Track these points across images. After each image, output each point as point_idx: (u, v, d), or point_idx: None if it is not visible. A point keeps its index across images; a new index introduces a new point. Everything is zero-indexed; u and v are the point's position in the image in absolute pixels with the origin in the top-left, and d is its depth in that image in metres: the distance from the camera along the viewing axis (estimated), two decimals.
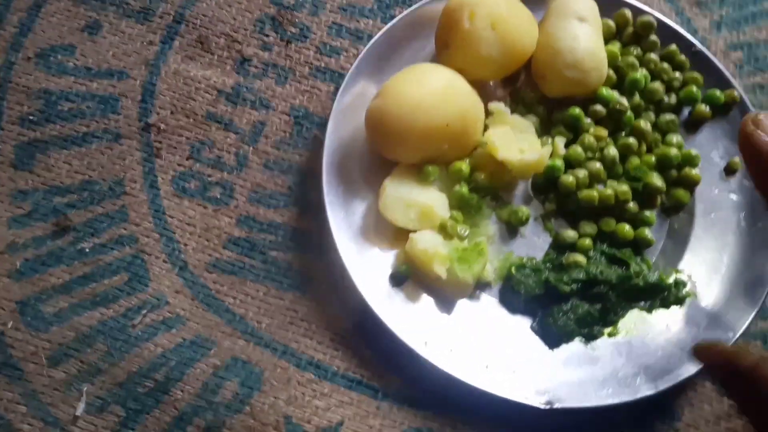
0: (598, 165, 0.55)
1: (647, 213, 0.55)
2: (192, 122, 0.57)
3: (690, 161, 0.56)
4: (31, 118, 0.56)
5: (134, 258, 0.53)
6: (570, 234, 0.54)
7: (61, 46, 0.58)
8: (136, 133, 0.57)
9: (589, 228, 0.54)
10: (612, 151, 0.55)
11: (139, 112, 0.57)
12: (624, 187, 0.54)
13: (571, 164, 0.55)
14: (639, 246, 0.55)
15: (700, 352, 0.36)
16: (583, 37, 0.54)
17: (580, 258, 0.53)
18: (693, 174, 0.56)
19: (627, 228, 0.54)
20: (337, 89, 0.57)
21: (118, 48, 0.59)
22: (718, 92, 0.58)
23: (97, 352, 0.50)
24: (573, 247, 0.54)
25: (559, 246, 0.54)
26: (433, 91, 0.51)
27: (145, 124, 0.57)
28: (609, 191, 0.54)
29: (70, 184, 0.55)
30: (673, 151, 0.56)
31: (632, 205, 0.55)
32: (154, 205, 0.55)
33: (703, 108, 0.58)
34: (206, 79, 0.59)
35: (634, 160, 0.56)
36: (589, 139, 0.55)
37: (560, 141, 0.55)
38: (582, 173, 0.54)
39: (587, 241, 0.54)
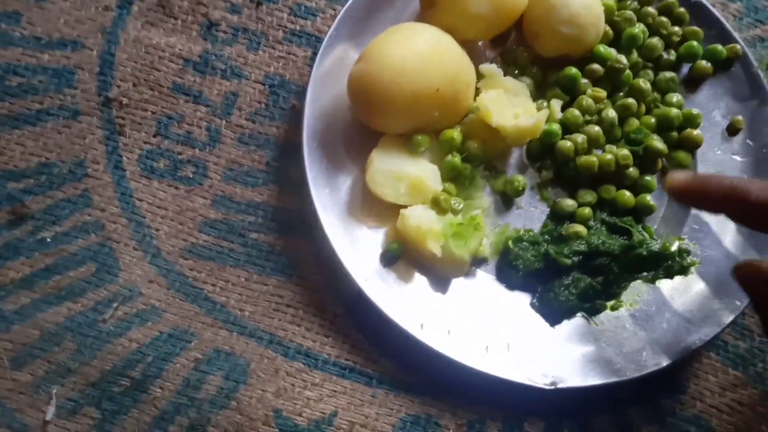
0: (596, 129, 0.52)
1: (648, 178, 0.53)
2: (157, 95, 0.53)
3: (691, 122, 0.53)
4: None
5: (101, 246, 0.49)
6: (569, 203, 0.51)
7: (5, 13, 0.53)
8: (96, 109, 0.52)
9: (589, 196, 0.52)
10: (611, 113, 0.52)
11: (97, 86, 0.52)
12: (624, 152, 0.51)
13: (567, 129, 0.52)
14: (640, 213, 0.52)
15: (741, 272, 0.37)
16: None
17: (581, 228, 0.50)
18: (695, 135, 0.53)
19: (628, 195, 0.52)
20: (314, 54, 0.52)
21: (69, 14, 0.53)
22: (719, 47, 0.55)
23: (65, 350, 0.46)
24: (572, 217, 0.51)
25: (558, 216, 0.52)
26: (420, 52, 0.47)
27: (105, 99, 0.52)
28: (609, 156, 0.51)
29: (25, 168, 0.50)
30: (674, 112, 0.53)
31: (632, 171, 0.52)
32: (120, 188, 0.50)
33: (704, 64, 0.55)
34: (170, 47, 0.54)
35: (633, 123, 0.53)
36: (587, 101, 0.52)
37: (556, 104, 0.52)
38: (580, 138, 0.51)
39: (587, 210, 0.51)
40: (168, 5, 0.55)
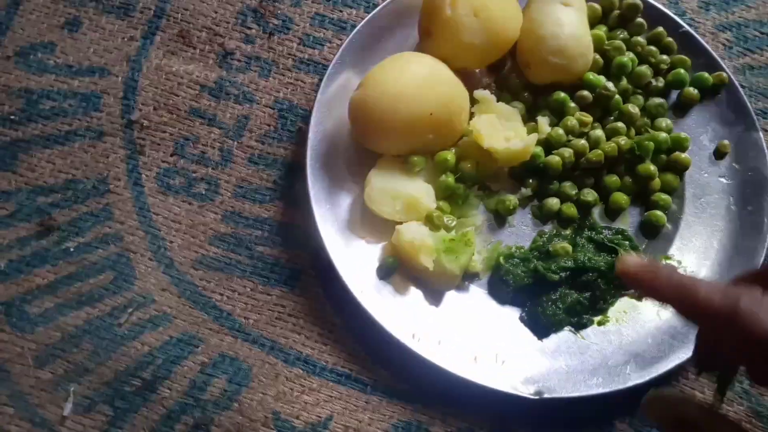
0: (582, 142, 0.54)
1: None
2: (175, 118, 0.57)
3: (679, 145, 0.56)
4: (12, 117, 0.56)
5: (119, 256, 0.53)
6: (552, 201, 0.54)
7: (41, 43, 0.58)
8: (119, 131, 0.56)
9: (590, 195, 0.54)
10: (598, 132, 0.55)
11: (121, 109, 0.57)
12: (612, 144, 0.54)
13: (552, 146, 0.55)
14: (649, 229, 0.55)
15: (649, 407, 0.36)
16: (568, 23, 0.54)
17: (567, 245, 0.52)
18: (683, 158, 0.55)
19: (624, 197, 0.54)
20: (321, 81, 0.56)
21: (98, 45, 0.58)
22: (706, 74, 0.57)
23: (83, 351, 0.50)
24: (558, 215, 0.54)
25: (544, 216, 0.54)
26: (415, 79, 0.50)
27: (128, 121, 0.56)
28: (606, 147, 0.54)
29: (53, 184, 0.54)
30: (663, 136, 0.55)
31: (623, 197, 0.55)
32: (138, 203, 0.54)
33: (692, 91, 0.57)
34: (189, 74, 0.58)
35: (628, 142, 0.55)
36: (571, 121, 0.55)
37: (543, 120, 0.55)
38: (567, 153, 0.54)
39: (572, 208, 0.54)
40: (188, 36, 0.59)
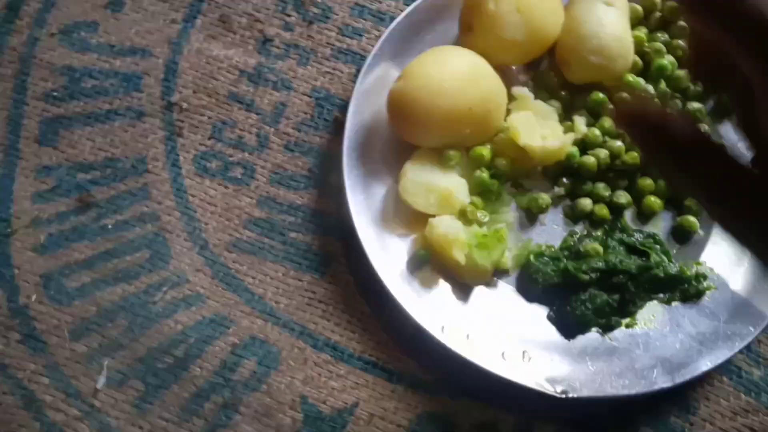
0: (618, 143, 0.54)
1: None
2: (214, 102, 0.58)
3: None
4: (54, 94, 0.57)
5: (156, 236, 0.54)
6: (585, 202, 0.54)
7: (85, 22, 0.59)
8: (159, 112, 0.57)
9: (623, 198, 0.54)
10: None
11: (161, 91, 0.58)
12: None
13: (587, 147, 0.55)
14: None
15: (617, 113, 0.32)
16: (609, 22, 0.53)
17: (598, 246, 0.52)
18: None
19: (656, 201, 0.54)
20: (358, 71, 0.56)
21: (140, 26, 0.59)
22: None
23: (118, 327, 0.51)
24: (590, 216, 0.54)
25: (576, 216, 0.54)
26: (456, 74, 0.50)
27: (168, 103, 0.57)
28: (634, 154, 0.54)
29: (93, 161, 0.55)
30: None
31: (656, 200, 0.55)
32: (176, 184, 0.55)
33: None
34: (228, 59, 0.59)
35: None
36: (608, 122, 0.54)
37: (580, 120, 0.55)
38: (603, 153, 0.54)
39: (605, 210, 0.54)
40: (228, 21, 0.60)
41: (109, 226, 0.54)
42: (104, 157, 0.56)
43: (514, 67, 0.57)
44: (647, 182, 0.55)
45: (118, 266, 0.53)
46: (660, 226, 0.55)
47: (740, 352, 0.51)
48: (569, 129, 0.55)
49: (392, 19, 0.58)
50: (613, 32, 0.53)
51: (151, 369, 0.50)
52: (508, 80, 0.55)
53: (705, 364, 0.50)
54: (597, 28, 0.53)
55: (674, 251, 0.54)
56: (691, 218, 0.54)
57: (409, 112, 0.51)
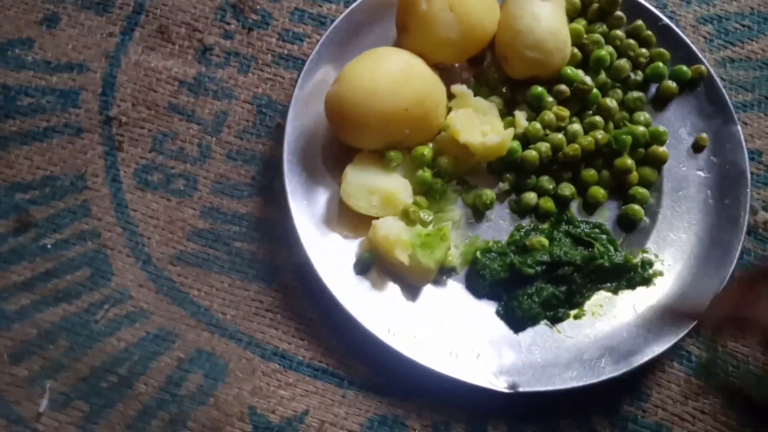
0: (559, 136, 0.54)
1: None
2: (154, 114, 0.57)
3: (658, 138, 0.56)
4: None
5: (97, 253, 0.53)
6: (530, 196, 0.54)
7: (19, 40, 0.58)
8: (98, 127, 0.56)
9: (567, 189, 0.54)
10: (575, 126, 0.55)
11: (100, 105, 0.57)
12: (589, 138, 0.54)
13: (529, 141, 0.55)
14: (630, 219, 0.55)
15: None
16: (545, 17, 0.53)
17: (543, 239, 0.52)
18: (661, 152, 0.55)
19: (602, 192, 0.55)
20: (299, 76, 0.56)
21: (77, 41, 0.58)
22: (684, 68, 0.57)
23: (59, 348, 0.50)
24: (536, 210, 0.54)
25: (521, 210, 0.54)
26: (389, 75, 0.50)
27: (107, 117, 0.56)
28: (583, 141, 0.54)
29: (31, 180, 0.54)
30: (641, 129, 0.55)
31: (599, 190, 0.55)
32: (116, 199, 0.54)
33: (670, 84, 0.57)
34: (167, 70, 0.58)
35: (604, 136, 0.55)
36: (548, 115, 0.55)
37: (521, 115, 0.55)
38: (544, 147, 0.54)
39: (549, 202, 0.54)
40: (167, 31, 0.59)
41: (49, 246, 0.53)
42: (42, 175, 0.55)
43: (456, 66, 0.57)
44: (591, 173, 0.55)
45: (59, 286, 0.52)
46: (606, 215, 0.55)
47: (688, 336, 0.51)
48: (510, 124, 0.55)
49: (332, 22, 0.58)
50: (549, 26, 0.54)
51: (95, 389, 0.49)
52: (451, 78, 0.55)
53: (653, 351, 0.50)
54: (532, 23, 0.53)
55: (620, 240, 0.54)
56: (636, 207, 0.54)
57: (346, 115, 0.50)
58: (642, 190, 0.55)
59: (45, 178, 0.55)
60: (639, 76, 0.58)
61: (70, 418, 0.49)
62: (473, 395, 0.49)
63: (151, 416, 0.49)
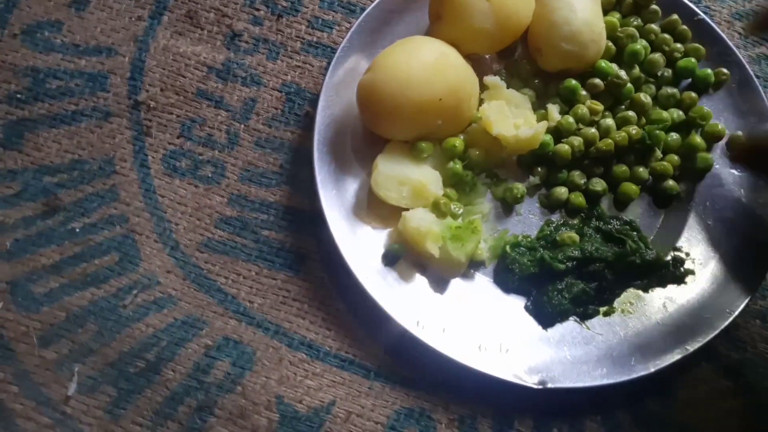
0: (592, 131, 0.54)
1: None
2: (182, 99, 0.56)
3: (704, 119, 0.55)
4: (18, 96, 0.55)
5: (125, 238, 0.53)
6: (561, 191, 0.53)
7: (48, 22, 0.57)
8: (126, 111, 0.56)
9: (599, 185, 0.54)
10: (608, 121, 0.54)
11: (128, 90, 0.56)
12: (622, 134, 0.53)
13: (561, 134, 0.54)
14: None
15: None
16: (581, 9, 0.53)
17: (574, 235, 0.52)
18: (719, 129, 0.55)
19: (634, 187, 0.54)
20: (329, 64, 0.55)
21: (106, 24, 0.58)
22: (709, 71, 0.56)
23: (88, 332, 0.50)
24: (566, 205, 0.54)
25: (551, 205, 0.54)
26: (424, 64, 0.50)
27: (135, 102, 0.56)
28: (616, 137, 0.53)
29: (59, 164, 0.54)
30: (668, 114, 0.54)
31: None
32: (144, 185, 0.54)
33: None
34: (196, 55, 0.58)
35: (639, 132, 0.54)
36: (582, 109, 0.54)
37: (554, 108, 0.54)
38: (577, 141, 0.53)
39: (580, 198, 0.53)
40: (195, 17, 0.59)
41: (77, 230, 0.52)
42: (71, 159, 0.54)
43: (487, 57, 0.57)
44: (623, 169, 0.54)
45: (87, 270, 0.52)
46: (637, 212, 0.55)
47: (718, 336, 0.51)
48: (543, 117, 0.54)
49: (362, 10, 0.58)
50: (585, 18, 0.53)
51: (123, 374, 0.49)
52: (481, 69, 0.55)
53: (683, 350, 0.49)
54: (568, 14, 0.53)
55: (651, 236, 0.54)
56: (671, 182, 0.54)
57: (378, 104, 0.50)
58: (672, 183, 0.54)
59: (73, 162, 0.54)
60: (668, 72, 0.57)
61: (97, 402, 0.49)
62: (500, 390, 0.49)
63: (178, 402, 0.49)
